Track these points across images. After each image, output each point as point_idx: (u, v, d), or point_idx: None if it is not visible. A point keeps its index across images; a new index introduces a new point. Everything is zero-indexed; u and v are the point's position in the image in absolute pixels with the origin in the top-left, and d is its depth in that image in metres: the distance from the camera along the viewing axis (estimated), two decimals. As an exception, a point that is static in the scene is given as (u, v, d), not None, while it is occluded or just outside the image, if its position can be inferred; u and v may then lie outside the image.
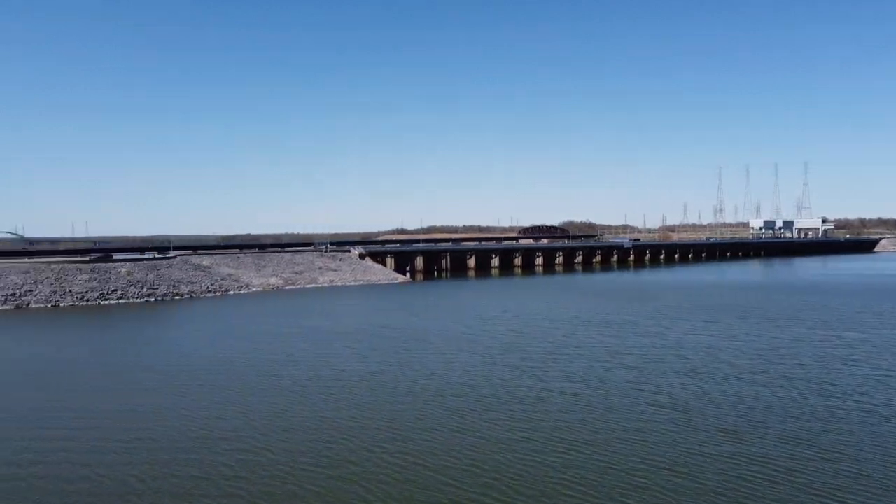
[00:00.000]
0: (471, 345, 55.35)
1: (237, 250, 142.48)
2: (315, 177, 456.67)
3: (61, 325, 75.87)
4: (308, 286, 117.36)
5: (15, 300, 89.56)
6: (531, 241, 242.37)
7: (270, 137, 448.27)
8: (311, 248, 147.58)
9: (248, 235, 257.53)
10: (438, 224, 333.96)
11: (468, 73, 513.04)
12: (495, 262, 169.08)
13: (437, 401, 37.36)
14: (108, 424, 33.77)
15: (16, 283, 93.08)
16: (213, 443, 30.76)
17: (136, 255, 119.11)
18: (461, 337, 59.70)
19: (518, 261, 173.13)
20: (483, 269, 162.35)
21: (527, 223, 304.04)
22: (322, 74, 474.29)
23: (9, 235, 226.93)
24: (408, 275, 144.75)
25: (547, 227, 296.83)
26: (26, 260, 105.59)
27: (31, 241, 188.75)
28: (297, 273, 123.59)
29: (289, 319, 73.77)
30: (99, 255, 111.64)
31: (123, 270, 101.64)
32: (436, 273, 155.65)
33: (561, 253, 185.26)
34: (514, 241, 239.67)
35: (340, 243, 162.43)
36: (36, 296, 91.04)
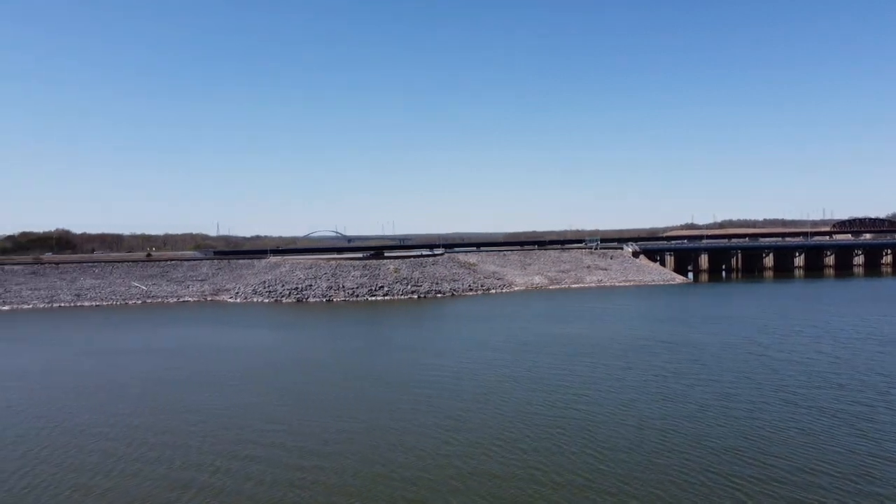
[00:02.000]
0: (758, 371, 42.07)
1: (504, 247, 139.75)
2: (595, 171, 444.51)
3: (365, 319, 78.10)
4: (573, 286, 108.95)
5: (297, 294, 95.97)
6: (849, 236, 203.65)
7: (554, 135, 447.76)
8: (581, 245, 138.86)
9: (533, 233, 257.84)
10: (735, 218, 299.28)
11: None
12: (799, 261, 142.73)
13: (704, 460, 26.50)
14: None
15: (299, 279, 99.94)
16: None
17: (405, 253, 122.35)
18: (747, 358, 46.35)
19: (829, 260, 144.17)
20: (783, 270, 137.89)
21: (843, 215, 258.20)
22: (615, 78, 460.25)
23: (332, 234, 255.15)
24: (689, 275, 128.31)
25: (870, 219, 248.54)
26: (309, 257, 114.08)
27: (350, 239, 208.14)
28: (562, 272, 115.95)
29: (541, 325, 66.16)
30: (372, 252, 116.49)
31: (391, 267, 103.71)
32: (724, 273, 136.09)
33: (890, 251, 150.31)
34: (827, 237, 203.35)
35: (618, 240, 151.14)
36: (314, 291, 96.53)
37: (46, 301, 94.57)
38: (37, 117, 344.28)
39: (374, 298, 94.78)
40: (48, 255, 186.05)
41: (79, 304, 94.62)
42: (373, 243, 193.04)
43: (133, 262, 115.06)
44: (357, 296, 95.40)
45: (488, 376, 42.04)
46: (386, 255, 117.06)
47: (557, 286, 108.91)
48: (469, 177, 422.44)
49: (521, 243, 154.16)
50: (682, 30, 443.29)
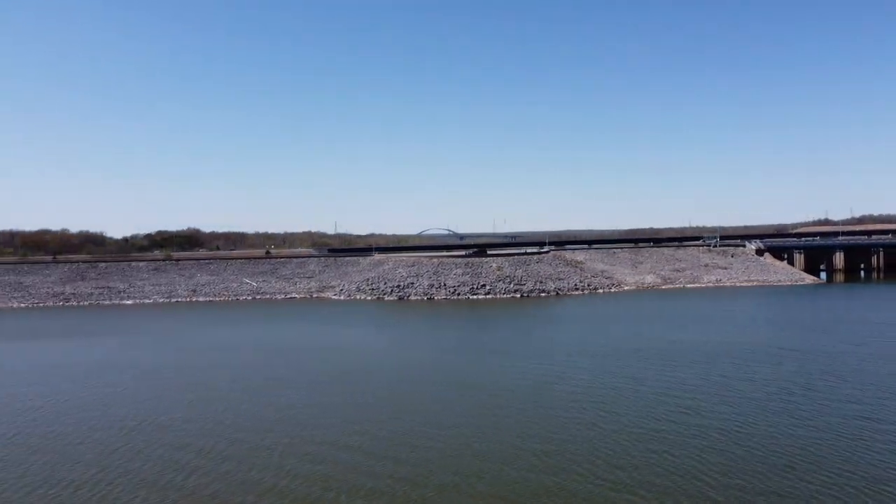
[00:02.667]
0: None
1: (616, 245, 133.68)
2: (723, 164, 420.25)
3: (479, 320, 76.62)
4: (688, 286, 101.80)
5: (399, 292, 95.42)
6: None
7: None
8: (699, 242, 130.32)
9: (650, 230, 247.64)
10: (876, 213, 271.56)
11: None
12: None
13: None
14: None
15: (401, 276, 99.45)
16: None
17: (509, 250, 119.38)
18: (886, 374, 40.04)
19: None
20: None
21: None
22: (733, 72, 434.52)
23: (445, 232, 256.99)
24: (822, 275, 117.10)
25: None
26: (412, 254, 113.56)
27: (462, 237, 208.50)
28: (676, 270, 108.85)
29: (652, 328, 61.29)
30: (475, 249, 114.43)
31: (494, 265, 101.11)
32: (862, 273, 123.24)
33: None
34: None
35: (741, 237, 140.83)
36: (416, 289, 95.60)
37: (165, 296, 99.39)
38: (175, 133, 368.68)
39: (475, 297, 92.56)
40: (177, 253, 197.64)
41: (194, 299, 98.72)
42: (483, 241, 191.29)
43: (246, 259, 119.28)
44: (458, 294, 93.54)
45: (590, 385, 38.30)
46: (489, 252, 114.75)
47: (671, 286, 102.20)
48: (586, 174, 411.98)
49: (636, 241, 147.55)
50: None
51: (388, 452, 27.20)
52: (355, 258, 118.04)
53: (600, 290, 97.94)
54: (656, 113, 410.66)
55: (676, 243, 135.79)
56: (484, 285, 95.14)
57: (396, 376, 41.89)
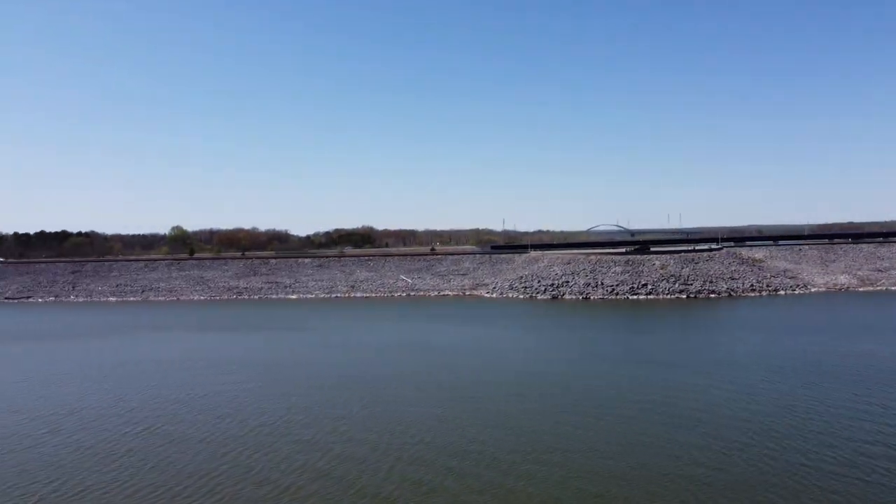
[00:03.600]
0: None
1: (806, 241, 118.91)
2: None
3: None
4: (892, 288, 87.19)
5: (552, 290, 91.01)
6: None
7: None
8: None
9: (849, 224, 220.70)
10: None
11: None
12: None
13: None
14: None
15: (556, 274, 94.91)
16: None
17: (674, 247, 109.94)
18: None
19: None
20: None
21: None
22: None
23: (615, 228, 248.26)
24: None
25: None
26: (568, 252, 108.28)
27: (633, 233, 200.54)
28: (878, 270, 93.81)
29: (845, 338, 52.02)
30: (637, 246, 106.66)
31: (657, 263, 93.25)
32: None
33: None
34: None
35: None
36: (570, 287, 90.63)
37: (326, 291, 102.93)
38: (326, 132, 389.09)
39: (635, 297, 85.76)
40: (349, 250, 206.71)
41: (352, 294, 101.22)
42: (653, 237, 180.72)
43: (403, 256, 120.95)
44: (617, 294, 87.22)
45: (761, 411, 31.62)
46: (652, 249, 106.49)
47: (870, 287, 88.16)
48: (766, 163, 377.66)
49: (830, 236, 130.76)
50: None
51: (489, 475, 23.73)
52: (511, 255, 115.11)
53: (781, 292, 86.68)
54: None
55: (881, 238, 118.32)
56: (645, 284, 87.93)
57: (548, 391, 37.40)
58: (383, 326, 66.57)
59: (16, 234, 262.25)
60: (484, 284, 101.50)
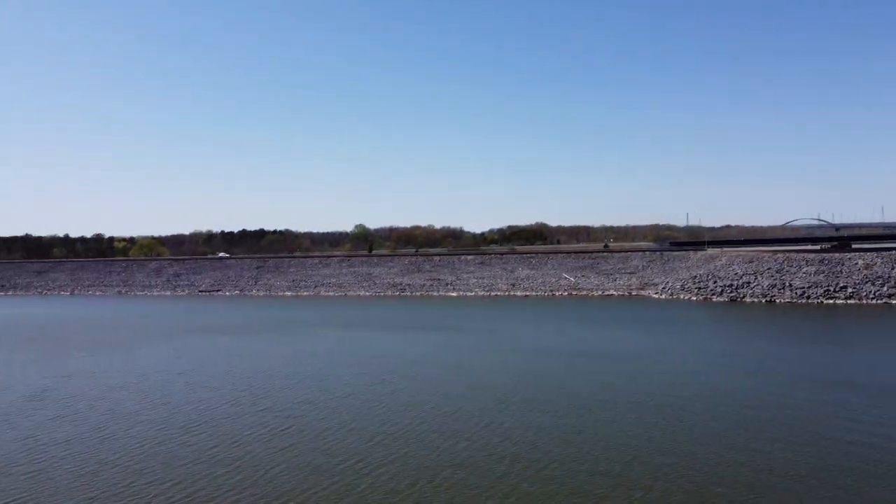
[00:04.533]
0: None
1: None
2: None
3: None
4: None
5: (730, 292, 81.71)
6: None
7: None
8: None
9: None
10: None
11: None
12: None
13: None
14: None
15: (735, 274, 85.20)
16: None
17: (884, 244, 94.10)
18: None
19: None
20: None
21: None
22: None
23: (815, 222, 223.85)
24: None
25: None
26: (751, 249, 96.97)
27: (838, 227, 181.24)
28: None
29: None
30: (833, 243, 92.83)
31: (860, 263, 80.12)
32: None
33: None
34: None
35: None
36: (752, 289, 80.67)
37: (486, 289, 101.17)
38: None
39: (831, 301, 74.28)
40: (521, 246, 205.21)
41: (512, 293, 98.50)
42: (858, 232, 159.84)
43: (567, 253, 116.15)
44: (808, 297, 76.16)
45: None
46: (854, 246, 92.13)
47: None
48: None
49: None
50: None
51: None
52: (685, 253, 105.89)
53: None
54: None
55: None
56: (844, 287, 75.87)
57: (752, 421, 31.81)
58: (550, 327, 62.90)
59: (222, 232, 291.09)
60: (652, 284, 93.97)
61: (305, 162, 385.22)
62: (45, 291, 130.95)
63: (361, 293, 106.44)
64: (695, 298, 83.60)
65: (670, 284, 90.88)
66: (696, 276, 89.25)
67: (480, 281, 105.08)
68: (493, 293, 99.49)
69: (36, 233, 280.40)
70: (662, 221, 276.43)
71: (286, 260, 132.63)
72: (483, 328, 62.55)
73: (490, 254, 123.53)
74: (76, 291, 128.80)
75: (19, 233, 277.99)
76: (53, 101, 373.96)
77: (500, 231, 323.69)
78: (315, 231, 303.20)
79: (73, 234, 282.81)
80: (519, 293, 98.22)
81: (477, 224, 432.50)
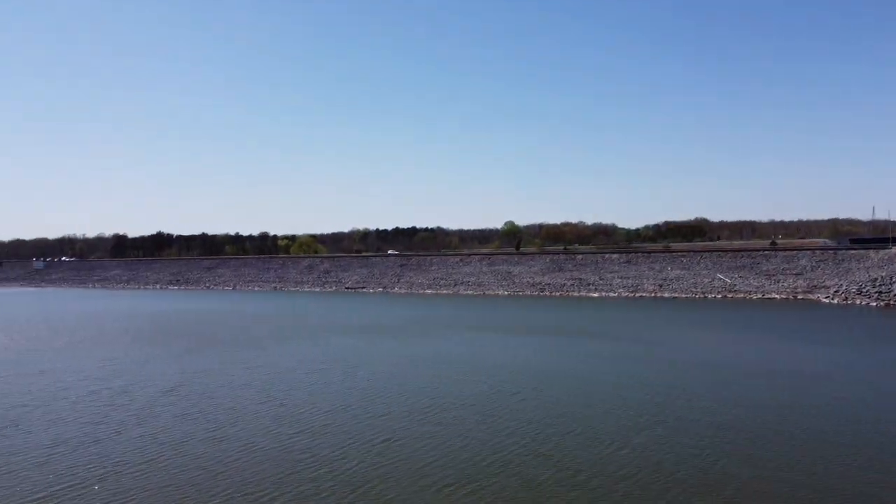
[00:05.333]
0: None
1: None
2: None
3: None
4: None
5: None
6: None
7: None
8: None
9: None
10: None
11: None
12: None
13: None
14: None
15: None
16: None
17: None
18: None
19: None
20: None
21: None
22: None
23: None
24: None
25: None
26: None
27: None
28: None
29: None
30: None
31: None
32: None
33: None
34: None
35: None
36: (946, 294, 69.02)
37: (630, 290, 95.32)
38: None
39: None
40: (676, 244, 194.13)
41: (659, 294, 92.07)
42: None
43: (722, 251, 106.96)
44: None
45: None
46: None
47: None
48: None
49: None
50: None
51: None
52: (863, 251, 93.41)
53: None
54: None
55: None
56: None
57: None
58: (721, 337, 57.09)
59: (377, 230, 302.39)
60: (823, 287, 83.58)
61: (456, 158, 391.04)
62: (211, 286, 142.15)
63: (500, 292, 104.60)
64: (874, 304, 73.12)
65: (844, 287, 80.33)
66: (875, 279, 78.20)
67: (625, 281, 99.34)
68: (637, 294, 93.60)
69: (211, 231, 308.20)
70: (842, 215, 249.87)
71: (428, 258, 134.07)
72: (642, 337, 57.84)
73: (636, 251, 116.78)
74: (237, 287, 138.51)
75: (196, 232, 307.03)
76: (232, 117, 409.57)
77: (656, 227, 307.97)
78: (466, 228, 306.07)
79: (243, 233, 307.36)
80: (666, 294, 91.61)
81: (631, 220, 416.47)
